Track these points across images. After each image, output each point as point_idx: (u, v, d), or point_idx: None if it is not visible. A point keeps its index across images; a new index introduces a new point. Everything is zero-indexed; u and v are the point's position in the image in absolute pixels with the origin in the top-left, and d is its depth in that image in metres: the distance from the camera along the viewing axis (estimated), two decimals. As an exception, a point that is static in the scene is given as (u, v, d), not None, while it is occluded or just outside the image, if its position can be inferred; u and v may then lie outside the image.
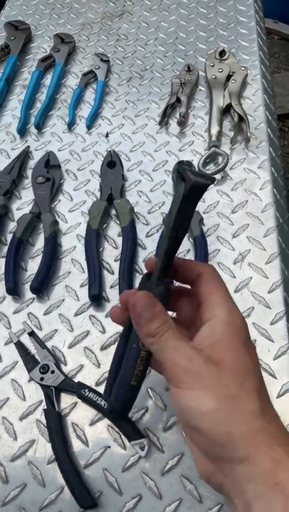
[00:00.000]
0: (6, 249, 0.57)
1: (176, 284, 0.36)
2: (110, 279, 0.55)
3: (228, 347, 0.29)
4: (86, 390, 0.46)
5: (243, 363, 0.28)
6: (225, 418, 0.26)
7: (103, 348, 0.50)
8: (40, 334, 0.51)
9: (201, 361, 0.28)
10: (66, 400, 0.47)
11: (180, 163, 0.31)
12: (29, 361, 0.49)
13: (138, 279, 0.54)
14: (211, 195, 0.62)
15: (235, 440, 0.26)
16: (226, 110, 0.70)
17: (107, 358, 0.49)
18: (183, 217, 0.31)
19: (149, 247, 0.57)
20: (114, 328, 0.51)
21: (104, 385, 0.47)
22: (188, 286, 0.35)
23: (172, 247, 0.33)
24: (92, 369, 0.48)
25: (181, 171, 0.30)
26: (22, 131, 0.71)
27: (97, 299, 0.52)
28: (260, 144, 0.67)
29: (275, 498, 0.24)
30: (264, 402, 0.27)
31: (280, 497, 0.24)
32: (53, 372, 0.47)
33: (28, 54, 0.84)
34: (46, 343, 0.50)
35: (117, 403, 0.35)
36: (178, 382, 0.28)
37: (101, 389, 0.47)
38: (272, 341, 0.49)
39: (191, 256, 0.56)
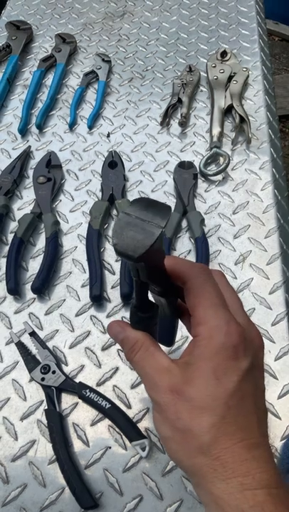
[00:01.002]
0: (7, 249, 0.57)
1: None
2: (111, 279, 0.55)
3: (196, 374, 0.27)
4: (87, 391, 0.46)
5: (202, 396, 0.27)
6: (177, 448, 0.28)
7: (104, 348, 0.50)
8: (41, 334, 0.51)
9: (164, 390, 0.28)
10: (67, 400, 0.47)
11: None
12: (30, 361, 0.48)
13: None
14: (212, 195, 0.62)
15: (186, 469, 0.28)
16: (228, 111, 0.71)
17: (108, 359, 0.49)
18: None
19: (150, 247, 0.57)
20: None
21: (105, 385, 0.47)
22: None
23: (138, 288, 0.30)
24: (93, 369, 0.48)
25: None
26: (23, 131, 0.71)
27: (98, 299, 0.52)
28: (262, 144, 0.67)
29: None
30: (216, 437, 0.26)
31: None
32: (53, 372, 0.47)
33: (30, 54, 0.84)
34: (47, 343, 0.50)
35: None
36: (151, 400, 0.30)
37: (102, 389, 0.47)
38: (274, 342, 0.49)
39: (192, 257, 0.56)
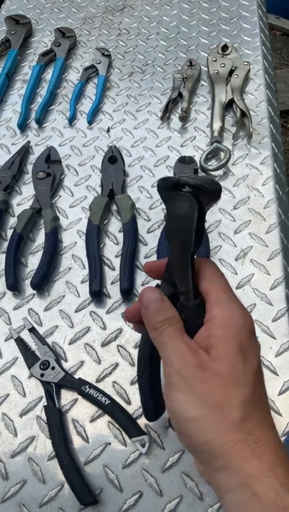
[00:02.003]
0: (6, 244, 0.56)
1: None
2: (111, 275, 0.55)
3: (222, 353, 0.28)
4: (87, 387, 0.45)
5: (233, 371, 0.27)
6: (206, 426, 0.26)
7: (104, 344, 0.50)
8: (41, 330, 0.51)
9: (193, 365, 0.28)
10: (66, 396, 0.46)
11: (162, 180, 0.29)
12: (29, 357, 0.48)
13: (139, 275, 0.54)
14: (212, 191, 0.61)
15: (215, 449, 0.26)
16: (228, 105, 0.70)
17: (107, 355, 0.49)
18: (199, 229, 0.30)
19: (150, 243, 0.57)
20: (115, 325, 0.51)
21: (104, 381, 0.47)
22: None
23: (193, 262, 0.31)
24: (93, 365, 0.48)
25: (184, 181, 0.29)
26: (22, 126, 0.70)
27: (97, 295, 0.52)
28: (263, 139, 0.66)
29: (252, 510, 0.25)
30: (249, 411, 0.26)
31: (257, 509, 0.24)
32: (53, 368, 0.47)
33: (29, 48, 0.83)
34: (47, 339, 0.50)
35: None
36: (168, 383, 0.28)
37: (101, 385, 0.46)
38: (274, 338, 0.49)
39: (192, 252, 0.56)
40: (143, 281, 0.54)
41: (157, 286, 0.33)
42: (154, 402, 0.37)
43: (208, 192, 0.29)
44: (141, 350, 0.35)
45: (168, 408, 0.29)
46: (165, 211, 0.59)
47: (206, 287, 0.30)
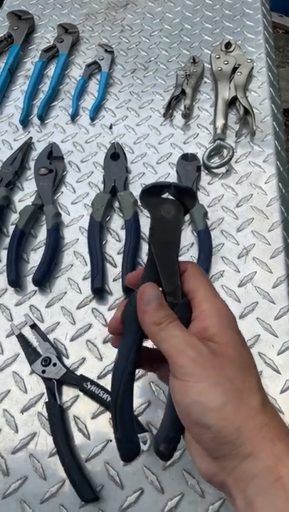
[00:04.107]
0: (8, 240, 0.56)
1: None
2: (113, 272, 0.54)
3: (227, 340, 0.28)
4: (88, 383, 0.45)
5: (243, 356, 0.28)
6: (232, 414, 0.26)
7: (105, 341, 0.49)
8: (42, 327, 0.51)
9: (207, 352, 0.27)
10: (68, 392, 0.46)
11: (145, 191, 0.32)
12: (31, 354, 0.48)
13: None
14: (215, 188, 0.61)
15: (243, 436, 0.25)
16: (232, 103, 0.70)
17: (109, 352, 0.49)
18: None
19: (152, 240, 0.57)
20: (117, 322, 0.51)
21: (106, 378, 0.47)
22: None
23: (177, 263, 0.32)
24: (95, 362, 0.48)
25: (176, 185, 0.32)
26: (25, 122, 0.70)
27: (99, 291, 0.52)
28: (266, 137, 0.66)
29: (277, 494, 0.24)
30: (264, 397, 0.27)
31: (282, 492, 0.24)
32: (54, 365, 0.47)
33: (32, 44, 0.83)
34: (48, 336, 0.50)
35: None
36: (183, 374, 0.27)
37: (103, 382, 0.46)
38: (277, 336, 0.49)
39: (194, 250, 0.55)
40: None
41: (133, 296, 0.33)
42: (135, 435, 0.30)
43: (193, 195, 0.32)
44: (118, 372, 0.30)
45: (184, 404, 0.27)
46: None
47: (191, 285, 0.31)
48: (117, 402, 0.30)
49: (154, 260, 0.32)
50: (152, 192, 0.32)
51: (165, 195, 0.33)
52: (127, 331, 0.32)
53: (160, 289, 0.32)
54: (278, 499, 0.24)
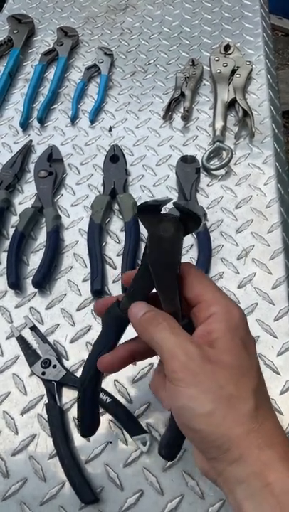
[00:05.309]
0: (8, 243, 0.56)
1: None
2: (112, 274, 0.55)
3: (227, 346, 0.28)
4: (88, 385, 0.45)
5: (240, 362, 0.28)
6: (220, 420, 0.26)
7: (105, 343, 0.49)
8: (42, 329, 0.51)
9: (199, 358, 0.27)
10: (68, 394, 0.46)
11: (144, 204, 0.30)
12: (31, 355, 0.48)
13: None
14: (214, 190, 0.61)
15: (229, 442, 0.26)
16: (231, 105, 0.70)
17: (109, 353, 0.49)
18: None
19: (152, 242, 0.57)
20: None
21: (105, 380, 0.47)
22: None
23: (178, 282, 0.31)
24: (94, 364, 0.48)
25: (178, 206, 0.29)
26: (25, 125, 0.70)
27: (99, 293, 0.52)
28: (265, 139, 0.66)
29: (266, 499, 0.24)
30: (259, 402, 0.27)
31: (270, 498, 0.24)
32: (54, 366, 0.47)
33: (31, 47, 0.83)
34: (48, 338, 0.50)
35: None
36: (174, 379, 0.27)
37: (103, 384, 0.46)
38: (276, 337, 0.49)
39: (194, 251, 0.56)
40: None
41: (117, 301, 0.33)
42: (93, 415, 0.36)
43: (196, 218, 0.30)
44: (95, 352, 0.34)
45: (175, 408, 0.28)
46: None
47: (198, 290, 0.31)
48: (84, 384, 0.34)
49: (147, 269, 0.31)
50: (149, 209, 0.30)
51: (164, 211, 0.30)
52: (105, 334, 0.34)
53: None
54: (267, 505, 0.24)
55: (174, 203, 0.30)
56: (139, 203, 0.60)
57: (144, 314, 0.30)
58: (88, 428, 0.36)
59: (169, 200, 0.31)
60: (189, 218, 0.30)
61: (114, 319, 0.33)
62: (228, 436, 0.26)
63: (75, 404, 0.46)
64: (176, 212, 0.30)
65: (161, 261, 0.30)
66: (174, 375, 0.27)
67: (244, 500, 0.25)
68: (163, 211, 0.30)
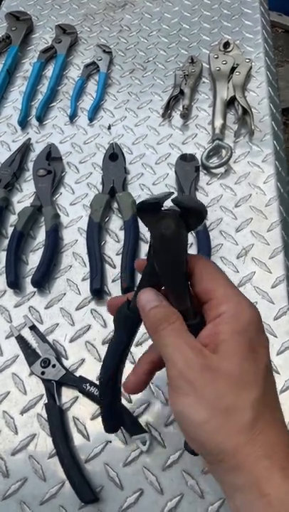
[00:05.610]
0: (7, 242, 0.56)
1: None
2: (112, 273, 0.55)
3: (231, 351, 0.27)
4: (87, 384, 0.45)
5: (243, 370, 0.26)
6: (216, 430, 0.25)
7: (104, 342, 0.49)
8: (41, 328, 0.51)
9: (198, 367, 0.26)
10: (67, 394, 0.46)
11: (143, 203, 0.29)
12: (30, 355, 0.48)
13: (139, 274, 0.54)
14: (214, 188, 0.61)
15: (225, 452, 0.25)
16: (230, 103, 0.70)
17: (108, 353, 0.49)
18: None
19: (151, 240, 0.57)
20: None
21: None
22: None
23: (187, 280, 0.30)
24: (94, 363, 0.48)
25: (177, 202, 0.28)
26: (23, 123, 0.70)
27: (98, 292, 0.52)
28: (265, 137, 0.66)
29: (264, 510, 0.24)
30: (260, 412, 0.26)
31: (268, 509, 0.24)
32: (54, 366, 0.47)
33: (30, 45, 0.83)
34: (47, 337, 0.50)
35: None
36: (172, 386, 0.27)
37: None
38: (276, 336, 0.49)
39: (193, 250, 0.55)
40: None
41: (127, 301, 0.32)
42: (115, 413, 0.36)
43: (198, 213, 0.28)
44: (110, 354, 0.34)
45: (174, 412, 0.28)
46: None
47: (209, 286, 0.29)
48: (104, 382, 0.34)
49: (153, 267, 0.30)
50: (149, 207, 0.29)
51: (164, 207, 0.29)
52: (117, 335, 0.33)
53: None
54: None
55: (172, 200, 0.28)
56: (138, 202, 0.59)
57: (153, 309, 0.29)
58: (111, 427, 0.37)
59: (170, 194, 0.29)
60: (190, 213, 0.28)
61: (124, 320, 0.32)
62: (223, 446, 0.25)
63: (75, 404, 0.46)
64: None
65: (167, 260, 0.29)
66: (172, 381, 0.27)
67: (242, 507, 0.25)
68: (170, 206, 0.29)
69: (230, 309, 0.28)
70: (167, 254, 0.29)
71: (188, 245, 0.55)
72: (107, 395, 0.35)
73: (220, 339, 0.27)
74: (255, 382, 0.26)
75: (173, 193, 0.29)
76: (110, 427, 0.37)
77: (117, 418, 0.37)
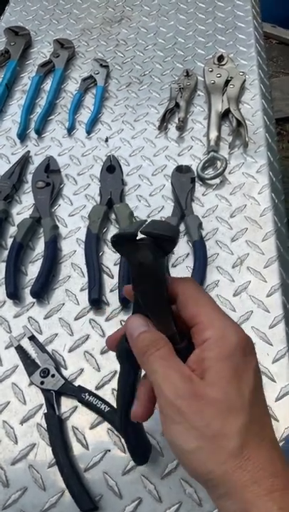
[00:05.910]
0: (6, 253, 0.57)
1: None
2: (110, 283, 0.55)
3: (217, 377, 0.27)
4: (86, 394, 0.46)
5: (229, 396, 0.26)
6: (205, 458, 0.26)
7: (103, 352, 0.50)
8: (41, 338, 0.51)
9: (187, 395, 0.26)
10: (66, 403, 0.47)
11: (117, 236, 0.29)
12: (29, 365, 0.49)
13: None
14: (209, 199, 0.62)
15: (214, 479, 0.26)
16: (225, 115, 0.71)
17: (107, 362, 0.49)
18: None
19: (148, 251, 0.58)
20: (114, 332, 0.51)
21: (104, 388, 0.47)
22: None
23: (170, 305, 0.30)
24: (93, 373, 0.49)
25: (147, 233, 0.28)
26: (22, 136, 0.71)
27: (97, 303, 0.53)
28: (259, 148, 0.67)
29: None
30: (247, 438, 0.26)
31: None
32: (53, 376, 0.47)
33: (28, 59, 0.84)
34: (46, 347, 0.51)
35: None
36: (164, 414, 0.27)
37: (101, 393, 0.47)
38: (271, 345, 0.49)
39: (190, 260, 0.56)
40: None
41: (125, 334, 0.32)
42: (141, 444, 0.38)
43: (170, 239, 0.28)
44: (122, 388, 0.34)
45: (166, 439, 0.28)
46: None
47: (193, 310, 0.29)
48: (122, 417, 0.34)
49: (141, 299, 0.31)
50: (123, 239, 0.29)
51: (142, 238, 0.29)
52: (123, 368, 0.33)
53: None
54: None
55: (141, 231, 0.28)
56: (135, 213, 0.61)
57: (140, 335, 0.29)
58: (140, 457, 0.41)
59: (142, 223, 0.29)
60: (163, 240, 0.28)
61: (125, 353, 0.32)
62: (213, 474, 0.25)
63: (74, 413, 0.46)
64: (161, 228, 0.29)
65: (146, 288, 0.30)
66: (162, 410, 0.27)
67: None
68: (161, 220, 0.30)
69: (214, 335, 0.28)
70: (147, 282, 0.30)
71: (185, 255, 0.57)
72: (128, 431, 0.37)
73: (206, 365, 0.27)
74: (241, 408, 0.26)
75: (146, 221, 0.29)
76: (140, 459, 0.41)
77: (144, 447, 0.40)
